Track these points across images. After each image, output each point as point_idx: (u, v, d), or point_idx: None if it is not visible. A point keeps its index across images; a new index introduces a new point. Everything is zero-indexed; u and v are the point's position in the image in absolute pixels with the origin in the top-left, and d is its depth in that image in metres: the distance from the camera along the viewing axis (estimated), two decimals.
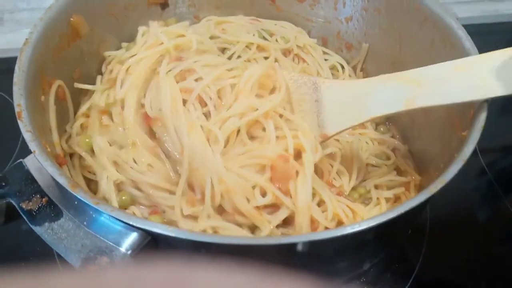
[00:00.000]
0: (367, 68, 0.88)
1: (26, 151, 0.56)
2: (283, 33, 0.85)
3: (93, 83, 0.77)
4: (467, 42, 0.67)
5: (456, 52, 0.68)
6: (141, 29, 0.78)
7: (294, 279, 0.21)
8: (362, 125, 0.78)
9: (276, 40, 0.84)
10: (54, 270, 0.21)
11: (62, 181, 0.49)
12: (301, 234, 0.58)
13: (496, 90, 0.55)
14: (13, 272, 0.20)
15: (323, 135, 0.65)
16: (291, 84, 0.66)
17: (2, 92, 0.95)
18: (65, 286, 0.21)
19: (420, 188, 0.74)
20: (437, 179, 0.52)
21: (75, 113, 0.73)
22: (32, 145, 0.53)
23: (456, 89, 0.56)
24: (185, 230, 0.49)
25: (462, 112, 0.64)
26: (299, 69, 0.82)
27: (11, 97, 0.93)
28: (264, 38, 0.82)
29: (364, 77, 0.88)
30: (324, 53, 0.89)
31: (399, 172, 0.77)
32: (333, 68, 0.88)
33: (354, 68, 0.89)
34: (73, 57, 0.73)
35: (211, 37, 0.80)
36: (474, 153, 0.55)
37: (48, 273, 0.21)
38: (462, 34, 0.68)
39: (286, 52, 0.84)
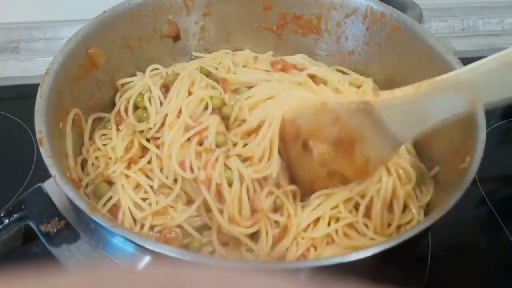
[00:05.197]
0: None
1: (40, 173, 0.58)
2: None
3: (108, 110, 0.80)
4: None
5: None
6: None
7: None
8: None
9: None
10: (56, 270, 0.21)
11: (81, 205, 0.52)
12: (302, 261, 0.60)
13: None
14: (16, 272, 0.21)
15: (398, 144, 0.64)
16: (345, 114, 0.64)
17: (16, 117, 0.98)
18: (67, 286, 0.21)
19: None
20: (437, 208, 0.55)
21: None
22: (52, 171, 0.56)
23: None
24: (199, 255, 0.50)
25: (463, 142, 0.67)
26: None
27: (25, 122, 0.97)
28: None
29: None
30: None
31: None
32: None
33: None
34: (89, 86, 0.77)
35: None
36: (474, 182, 0.58)
37: (50, 273, 0.21)
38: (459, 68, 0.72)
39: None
